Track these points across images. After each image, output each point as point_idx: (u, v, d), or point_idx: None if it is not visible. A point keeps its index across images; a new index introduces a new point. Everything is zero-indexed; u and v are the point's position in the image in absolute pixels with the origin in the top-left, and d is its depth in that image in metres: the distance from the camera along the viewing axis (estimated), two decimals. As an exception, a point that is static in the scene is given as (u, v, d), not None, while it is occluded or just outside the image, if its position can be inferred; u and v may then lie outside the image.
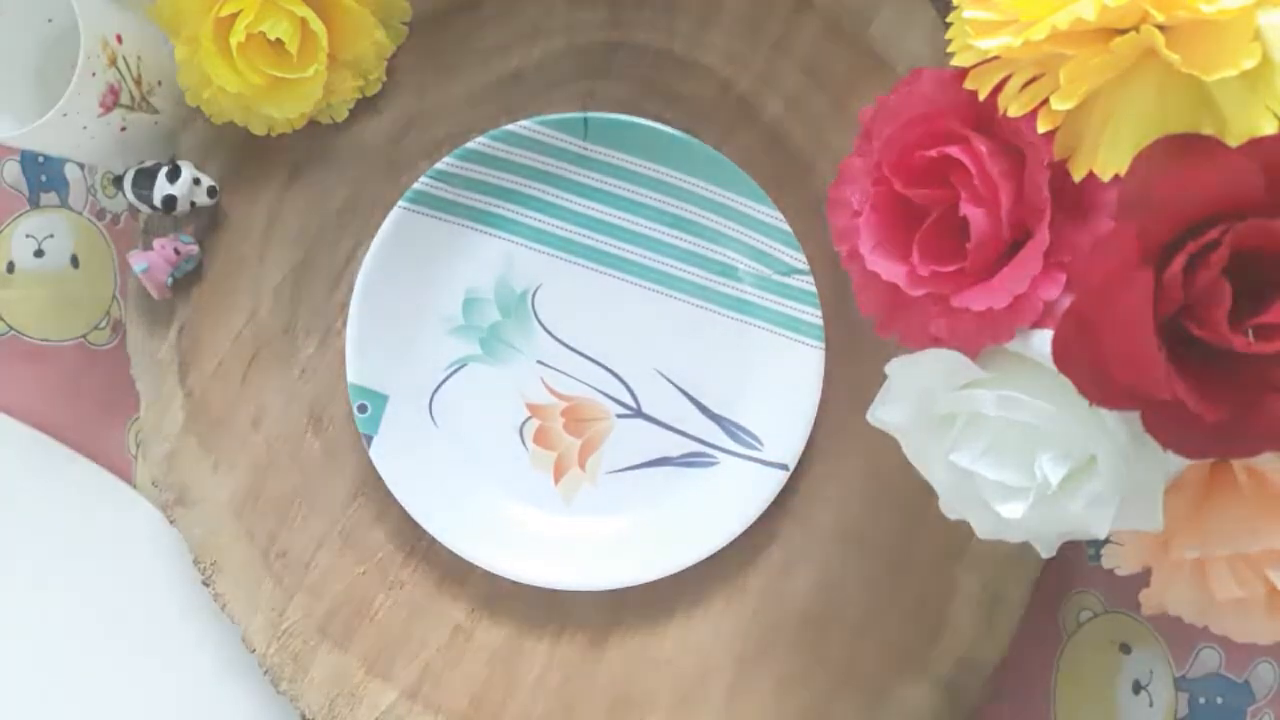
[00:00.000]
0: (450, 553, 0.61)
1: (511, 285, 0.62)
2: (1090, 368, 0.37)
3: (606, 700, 0.61)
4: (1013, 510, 0.43)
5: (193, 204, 0.61)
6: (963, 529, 0.47)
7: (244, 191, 0.63)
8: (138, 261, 0.61)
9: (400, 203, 0.61)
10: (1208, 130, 0.37)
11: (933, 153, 0.41)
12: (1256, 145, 0.36)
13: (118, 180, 0.62)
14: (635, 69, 0.61)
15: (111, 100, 0.57)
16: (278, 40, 0.57)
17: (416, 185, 0.61)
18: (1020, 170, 0.41)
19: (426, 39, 0.62)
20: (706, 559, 0.60)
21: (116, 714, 0.66)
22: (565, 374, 0.62)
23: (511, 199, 0.62)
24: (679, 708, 0.61)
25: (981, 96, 0.40)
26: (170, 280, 0.62)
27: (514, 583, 0.61)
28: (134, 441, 0.68)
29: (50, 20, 0.61)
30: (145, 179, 0.61)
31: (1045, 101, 0.38)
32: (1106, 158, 0.38)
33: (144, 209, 0.61)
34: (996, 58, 0.39)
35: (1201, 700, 0.59)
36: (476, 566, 0.61)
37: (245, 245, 0.63)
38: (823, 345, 0.60)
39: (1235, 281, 0.35)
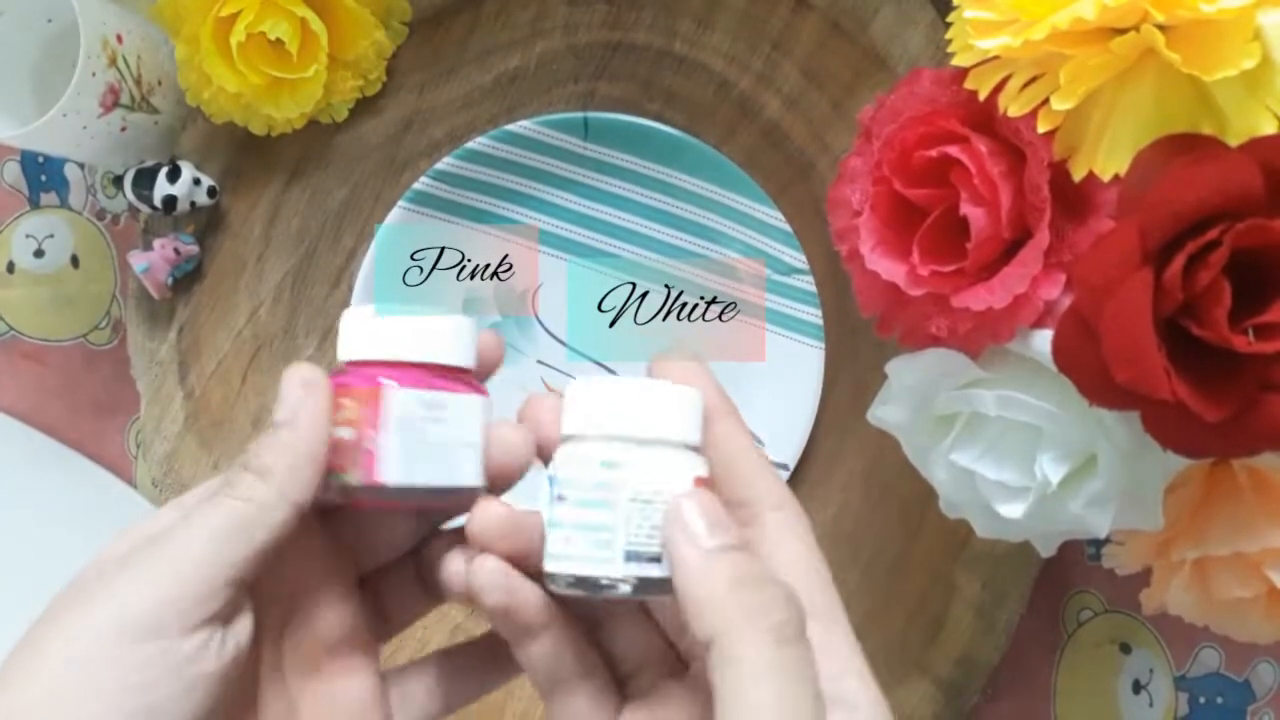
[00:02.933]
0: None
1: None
2: (1090, 367, 0.37)
3: (606, 700, 0.61)
4: (1013, 510, 0.43)
5: (193, 204, 0.61)
6: (963, 529, 0.47)
7: (244, 191, 0.63)
8: (138, 261, 0.61)
9: (400, 202, 0.61)
10: (1207, 130, 0.37)
11: (933, 153, 0.41)
12: (1256, 145, 0.36)
13: (118, 180, 0.62)
14: (635, 69, 0.61)
15: (111, 100, 0.57)
16: (278, 40, 0.57)
17: (416, 185, 0.61)
18: (1020, 170, 0.41)
19: (426, 39, 0.62)
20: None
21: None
22: (566, 374, 0.62)
23: (511, 199, 0.62)
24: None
25: (982, 96, 0.40)
26: (170, 280, 0.62)
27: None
28: (134, 441, 0.68)
29: (50, 20, 0.61)
30: (145, 179, 0.60)
31: (1045, 101, 0.38)
32: (1106, 157, 0.38)
33: (144, 209, 0.61)
34: (997, 57, 0.39)
35: (1201, 699, 0.59)
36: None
37: (245, 245, 0.63)
38: (823, 345, 0.60)
39: (1235, 281, 0.35)
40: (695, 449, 0.33)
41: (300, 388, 0.33)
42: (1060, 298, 0.40)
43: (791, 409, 0.60)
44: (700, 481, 0.32)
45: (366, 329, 0.35)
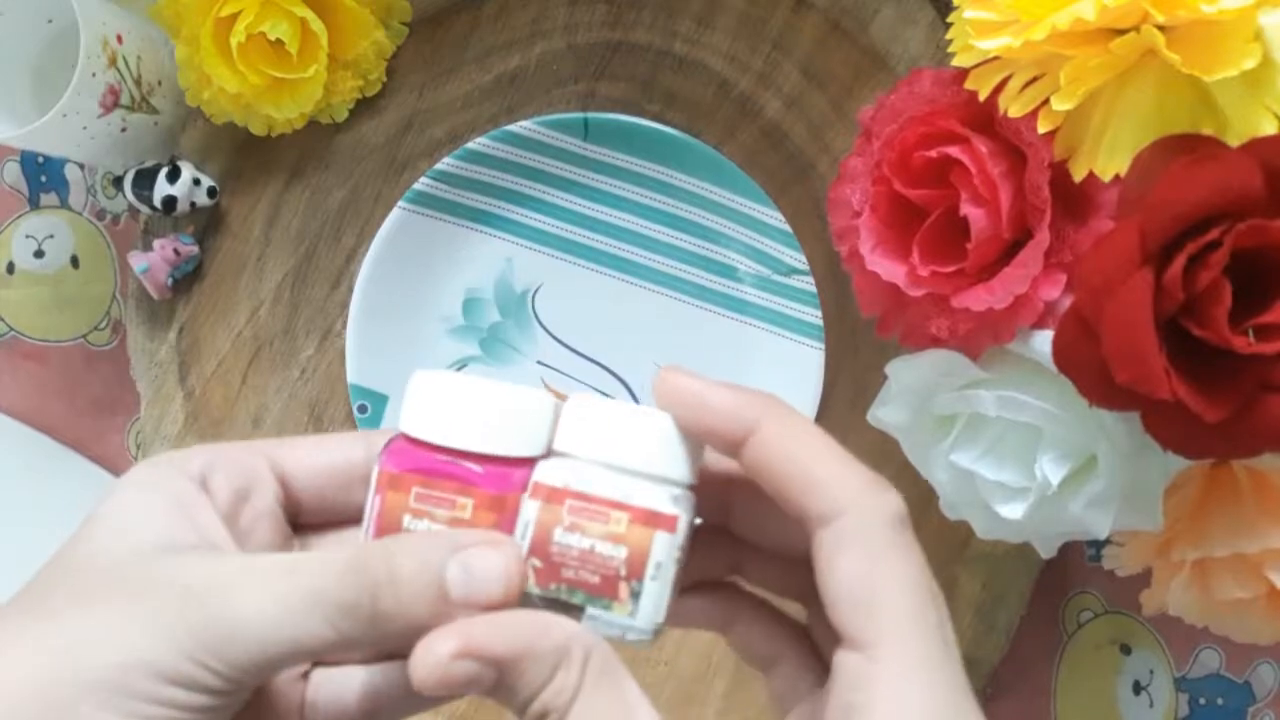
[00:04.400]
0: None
1: (511, 285, 0.62)
2: (1090, 368, 0.37)
3: (606, 700, 0.61)
4: (1013, 511, 0.43)
5: (193, 204, 0.61)
6: (963, 529, 0.47)
7: (244, 191, 0.63)
8: (138, 262, 0.61)
9: (400, 203, 0.61)
10: (1208, 130, 0.37)
11: (933, 153, 0.41)
12: (1256, 145, 0.36)
13: (118, 180, 0.62)
14: (635, 69, 0.61)
15: (111, 100, 0.57)
16: (278, 40, 0.57)
17: (416, 185, 0.61)
18: (1020, 170, 0.41)
19: (426, 39, 0.62)
20: (706, 559, 0.60)
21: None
22: (565, 374, 0.62)
23: (511, 199, 0.62)
24: (679, 708, 0.61)
25: (982, 97, 0.40)
26: (170, 280, 0.62)
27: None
28: (134, 441, 0.68)
29: (50, 20, 0.61)
30: (145, 179, 0.60)
31: (1045, 102, 0.38)
32: (1107, 158, 0.38)
33: (144, 209, 0.61)
34: (997, 58, 0.39)
35: (1201, 700, 0.59)
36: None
37: (245, 245, 0.63)
38: (823, 345, 0.60)
39: (1235, 281, 0.35)
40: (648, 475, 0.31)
41: (504, 586, 0.29)
42: (1060, 298, 0.40)
43: (791, 409, 0.60)
44: (544, 491, 0.30)
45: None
